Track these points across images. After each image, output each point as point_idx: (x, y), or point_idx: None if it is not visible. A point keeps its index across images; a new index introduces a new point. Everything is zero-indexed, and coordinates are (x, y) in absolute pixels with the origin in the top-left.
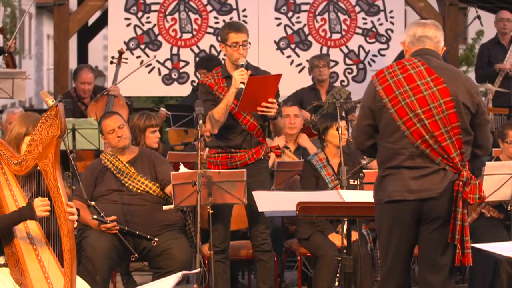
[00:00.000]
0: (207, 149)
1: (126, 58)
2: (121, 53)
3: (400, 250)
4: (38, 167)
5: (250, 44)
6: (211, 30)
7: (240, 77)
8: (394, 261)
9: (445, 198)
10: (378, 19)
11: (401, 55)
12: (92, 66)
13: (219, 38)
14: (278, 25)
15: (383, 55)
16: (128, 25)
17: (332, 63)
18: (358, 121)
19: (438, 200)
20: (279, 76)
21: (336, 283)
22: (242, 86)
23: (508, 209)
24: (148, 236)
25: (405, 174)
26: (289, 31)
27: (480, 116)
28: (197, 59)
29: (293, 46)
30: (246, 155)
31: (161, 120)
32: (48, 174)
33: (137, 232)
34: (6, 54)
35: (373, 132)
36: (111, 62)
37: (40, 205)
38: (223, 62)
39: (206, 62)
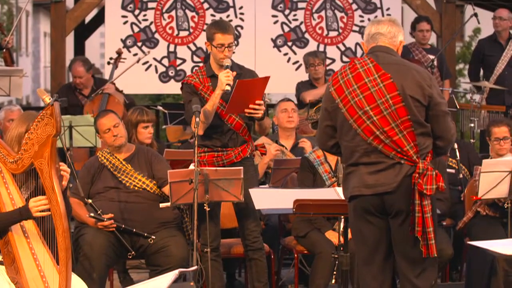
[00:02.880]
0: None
1: (125, 58)
2: (119, 53)
3: (369, 244)
4: (34, 166)
5: (236, 44)
6: None
7: (226, 79)
8: (366, 255)
9: (402, 191)
10: (375, 17)
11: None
12: (87, 59)
13: (206, 36)
14: (275, 22)
15: None
16: (125, 22)
17: (329, 61)
18: (319, 123)
19: (395, 194)
20: (267, 79)
21: (333, 281)
22: (228, 88)
23: (505, 207)
24: (145, 234)
25: (362, 170)
26: (286, 29)
27: (434, 107)
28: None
29: (290, 43)
30: (232, 153)
31: (154, 116)
32: (44, 173)
33: (134, 230)
34: (4, 50)
35: (333, 132)
36: (108, 63)
37: (34, 206)
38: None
39: None
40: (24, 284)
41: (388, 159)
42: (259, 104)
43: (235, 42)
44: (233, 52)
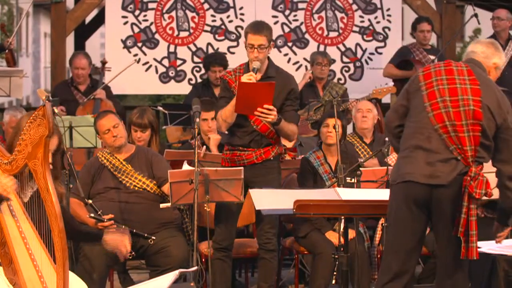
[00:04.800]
0: (204, 147)
1: (110, 67)
2: (103, 63)
3: (405, 231)
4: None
5: (270, 47)
6: (208, 28)
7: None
8: (396, 242)
9: (454, 188)
10: (375, 17)
11: (399, 53)
12: (88, 54)
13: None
14: (275, 23)
15: (380, 53)
16: (125, 23)
17: None
18: (396, 102)
19: (447, 188)
20: (272, 84)
21: (333, 281)
22: None
23: None
24: (146, 234)
25: (420, 157)
26: (286, 29)
27: (505, 131)
28: (206, 56)
29: (290, 44)
30: (253, 154)
31: (143, 122)
32: (38, 174)
33: (134, 230)
34: (6, 51)
35: (404, 113)
36: (94, 73)
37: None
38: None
39: (220, 59)
40: (22, 285)
41: (447, 152)
42: (268, 109)
43: (267, 44)
44: (268, 53)
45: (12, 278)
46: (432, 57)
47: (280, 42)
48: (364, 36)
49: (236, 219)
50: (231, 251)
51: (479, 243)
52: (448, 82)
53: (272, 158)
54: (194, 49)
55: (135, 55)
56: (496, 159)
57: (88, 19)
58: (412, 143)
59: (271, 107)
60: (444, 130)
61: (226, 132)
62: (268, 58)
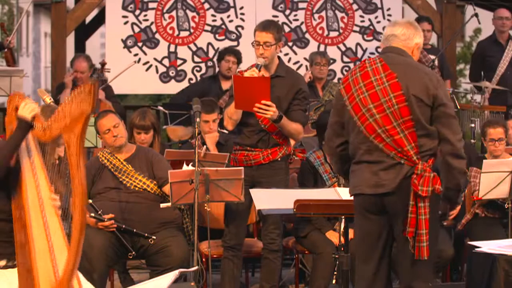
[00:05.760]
0: (204, 147)
1: (109, 68)
2: (103, 64)
3: (370, 241)
4: (62, 139)
5: (278, 45)
6: (209, 28)
7: None
8: (365, 252)
9: (401, 193)
10: (376, 17)
11: None
12: (89, 56)
13: None
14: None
15: None
16: (126, 23)
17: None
18: (329, 120)
19: (394, 195)
20: (267, 79)
21: (334, 281)
22: None
23: (506, 207)
24: (146, 234)
25: (364, 169)
26: (287, 29)
27: (437, 107)
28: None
29: (290, 44)
30: (260, 154)
31: (146, 124)
32: (71, 149)
33: (134, 230)
34: (5, 50)
35: (340, 129)
36: (94, 73)
37: (24, 113)
38: None
39: (234, 51)
40: (28, 256)
41: (389, 159)
42: (266, 105)
43: (274, 42)
44: (280, 52)
45: (21, 262)
46: (432, 57)
47: None
48: (365, 36)
49: (245, 219)
50: (240, 251)
51: (480, 243)
52: (367, 89)
53: (279, 159)
54: (194, 48)
55: (136, 54)
56: (439, 140)
57: (88, 19)
58: (356, 159)
59: (269, 102)
60: (379, 139)
61: (227, 132)
62: (279, 57)
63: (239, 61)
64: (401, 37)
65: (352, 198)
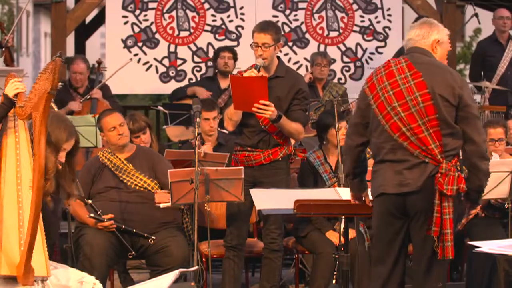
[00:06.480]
0: (204, 146)
1: (106, 67)
2: (99, 62)
3: (387, 243)
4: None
5: (277, 46)
6: (209, 28)
7: None
8: (381, 253)
9: (425, 192)
10: (376, 17)
11: (399, 53)
12: (86, 58)
13: None
14: (276, 23)
15: (381, 53)
16: (126, 23)
17: None
18: (351, 119)
19: (418, 194)
20: (263, 78)
21: (334, 281)
22: None
23: (506, 207)
24: (146, 234)
25: (387, 168)
26: (287, 29)
27: (463, 108)
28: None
29: (290, 44)
30: (261, 155)
31: (141, 125)
32: (36, 126)
33: (134, 230)
34: (3, 49)
35: (363, 130)
36: (91, 72)
37: (9, 91)
38: None
39: (228, 48)
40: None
41: (413, 158)
42: (264, 105)
43: (272, 43)
44: (279, 52)
45: None
46: None
47: None
48: (365, 36)
49: (247, 219)
50: (242, 251)
51: (480, 243)
52: (392, 87)
53: (280, 159)
54: (194, 48)
55: (136, 54)
56: (463, 140)
57: (88, 19)
58: (379, 158)
59: (268, 102)
60: (403, 137)
61: (227, 131)
62: (278, 57)
63: (234, 56)
64: (416, 38)
65: (350, 199)
